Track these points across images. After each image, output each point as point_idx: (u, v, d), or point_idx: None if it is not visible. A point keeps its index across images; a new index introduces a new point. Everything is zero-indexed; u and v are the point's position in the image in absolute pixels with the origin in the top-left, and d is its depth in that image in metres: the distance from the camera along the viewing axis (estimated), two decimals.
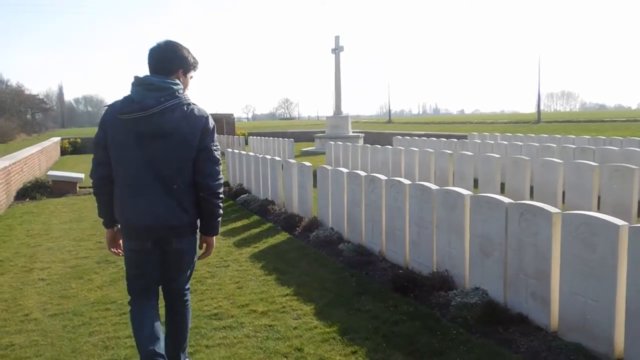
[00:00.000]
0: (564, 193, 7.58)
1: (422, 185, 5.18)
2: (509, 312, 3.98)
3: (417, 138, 15.98)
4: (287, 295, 4.72)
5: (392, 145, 14.52)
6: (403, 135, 19.03)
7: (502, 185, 8.72)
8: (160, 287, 3.04)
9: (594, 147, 10.05)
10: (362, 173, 6.39)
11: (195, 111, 2.80)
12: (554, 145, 10.85)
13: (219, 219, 2.97)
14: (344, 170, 6.83)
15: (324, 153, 20.98)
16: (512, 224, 4.02)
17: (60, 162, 21.85)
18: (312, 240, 6.76)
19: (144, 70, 2.92)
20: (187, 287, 3.08)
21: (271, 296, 4.70)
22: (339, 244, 6.45)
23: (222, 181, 2.91)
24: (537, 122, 53.87)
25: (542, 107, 63.76)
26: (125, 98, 2.76)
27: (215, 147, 2.86)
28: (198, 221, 2.93)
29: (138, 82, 2.75)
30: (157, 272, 2.94)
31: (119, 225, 2.92)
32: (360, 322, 4.05)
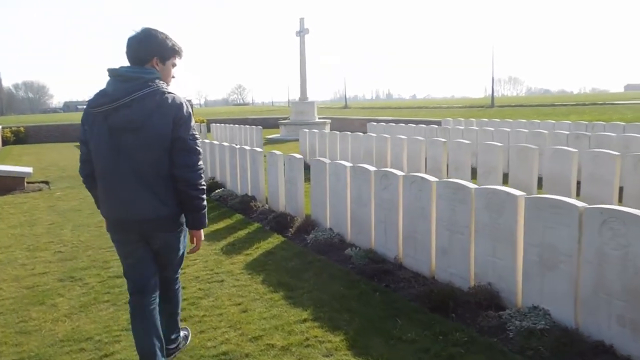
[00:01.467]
0: (578, 184, 7.02)
1: (456, 183, 4.43)
2: (587, 341, 3.30)
3: (394, 124, 15.27)
4: (305, 320, 3.89)
5: (365, 132, 13.81)
6: (378, 121, 18.35)
7: (505, 176, 8.12)
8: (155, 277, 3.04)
9: (589, 134, 9.60)
10: (371, 167, 5.59)
11: (169, 100, 2.69)
12: (545, 131, 10.37)
13: (204, 211, 2.88)
14: (346, 164, 6.01)
15: (290, 141, 20.09)
16: (590, 233, 3.32)
17: (3, 154, 20.04)
18: (311, 243, 5.94)
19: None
20: (176, 275, 3.19)
21: (287, 322, 3.86)
22: (344, 248, 5.66)
23: (201, 172, 2.81)
24: (491, 107, 54.41)
25: (491, 92, 64.56)
26: (99, 92, 2.72)
27: (191, 137, 2.75)
28: (182, 215, 2.89)
29: (110, 74, 2.71)
30: (151, 261, 2.93)
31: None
32: (409, 358, 3.27)
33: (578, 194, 6.89)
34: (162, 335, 2.98)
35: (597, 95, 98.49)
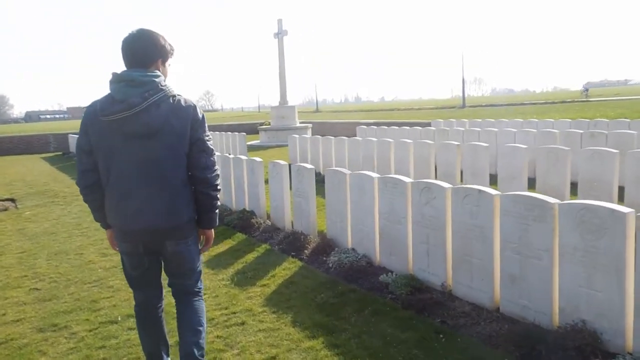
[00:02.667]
0: (620, 189, 6.38)
1: (530, 197, 3.66)
2: None
3: (386, 127, 14.50)
4: None
5: (352, 136, 13.02)
6: (367, 124, 17.55)
7: (530, 182, 7.45)
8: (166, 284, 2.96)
9: (606, 132, 9.03)
10: (407, 179, 4.81)
11: (182, 102, 2.65)
12: (556, 130, 9.78)
13: (217, 210, 2.87)
14: (373, 174, 5.21)
15: (272, 147, 19.23)
16: None
17: None
18: (334, 268, 5.12)
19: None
20: (199, 286, 2.94)
21: None
22: (376, 273, 4.87)
23: (218, 172, 2.80)
24: (463, 107, 54.40)
25: (457, 93, 64.63)
26: (106, 97, 2.59)
27: (207, 137, 2.75)
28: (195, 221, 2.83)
29: (118, 79, 2.58)
30: (158, 271, 2.89)
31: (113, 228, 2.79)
32: None
33: (621, 200, 6.25)
34: (167, 340, 3.06)
35: (566, 93, 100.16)
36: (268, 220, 7.18)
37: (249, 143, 21.37)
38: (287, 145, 19.71)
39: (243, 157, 7.78)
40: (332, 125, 25.49)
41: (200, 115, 2.69)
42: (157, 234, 2.66)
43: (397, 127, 14.07)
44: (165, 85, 2.62)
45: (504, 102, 61.72)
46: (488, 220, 3.95)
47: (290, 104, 22.37)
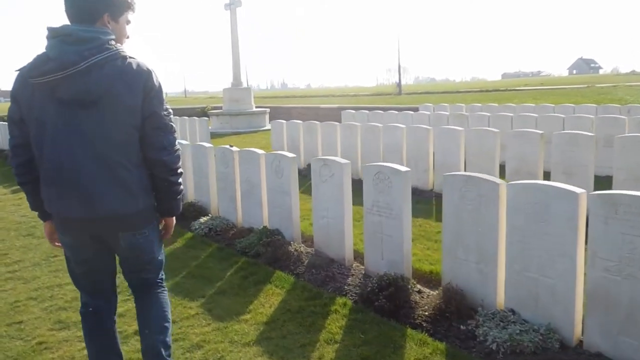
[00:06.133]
0: None
1: None
2: None
3: (381, 112, 12.25)
4: None
5: (340, 122, 10.74)
6: (354, 108, 15.15)
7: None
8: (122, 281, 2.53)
9: None
10: None
11: (134, 65, 2.13)
12: (591, 116, 7.99)
13: (180, 196, 2.36)
14: (575, 189, 2.96)
15: (228, 134, 16.60)
16: None
17: None
18: (504, 354, 2.86)
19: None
20: (160, 276, 2.49)
21: None
22: None
23: (179, 153, 2.29)
24: (399, 94, 53.21)
25: (381, 81, 63.87)
26: (38, 56, 2.10)
27: (165, 112, 2.23)
28: (153, 210, 2.34)
29: (53, 34, 2.08)
30: (111, 270, 2.43)
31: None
32: None
33: None
34: (121, 353, 2.51)
35: (486, 82, 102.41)
36: (304, 246, 4.80)
37: None
38: (244, 133, 17.19)
39: (258, 151, 5.28)
40: (288, 110, 22.95)
41: (157, 83, 2.16)
42: (110, 221, 2.16)
43: (396, 112, 11.85)
44: (113, 44, 2.09)
45: (441, 90, 61.09)
46: None
47: (245, 85, 19.62)
